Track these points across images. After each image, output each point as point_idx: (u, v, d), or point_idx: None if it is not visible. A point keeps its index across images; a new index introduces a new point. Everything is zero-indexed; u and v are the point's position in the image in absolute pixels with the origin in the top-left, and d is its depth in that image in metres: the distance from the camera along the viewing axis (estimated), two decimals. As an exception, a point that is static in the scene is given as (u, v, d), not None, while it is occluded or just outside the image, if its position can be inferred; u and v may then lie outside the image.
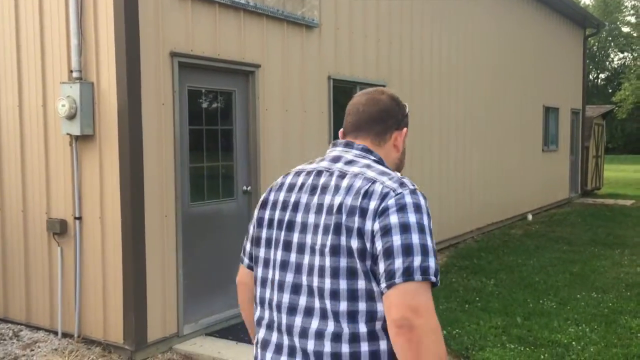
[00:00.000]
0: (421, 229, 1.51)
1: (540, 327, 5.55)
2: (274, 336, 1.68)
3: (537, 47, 13.31)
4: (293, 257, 1.66)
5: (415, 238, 1.49)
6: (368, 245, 1.53)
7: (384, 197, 1.55)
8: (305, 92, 6.57)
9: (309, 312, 1.60)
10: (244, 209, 5.90)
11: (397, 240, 1.49)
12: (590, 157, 17.65)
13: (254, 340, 1.86)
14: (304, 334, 1.60)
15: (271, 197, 1.79)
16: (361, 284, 1.55)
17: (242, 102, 5.87)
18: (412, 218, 1.52)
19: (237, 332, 5.41)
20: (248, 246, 1.87)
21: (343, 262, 1.55)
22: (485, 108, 10.91)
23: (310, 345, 1.58)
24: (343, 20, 7.10)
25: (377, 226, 1.52)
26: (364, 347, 1.55)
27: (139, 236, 4.81)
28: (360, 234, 1.53)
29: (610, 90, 52.89)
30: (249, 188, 5.89)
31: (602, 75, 56.83)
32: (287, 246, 1.68)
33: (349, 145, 1.79)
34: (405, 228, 1.50)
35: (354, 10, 7.29)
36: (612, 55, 56.13)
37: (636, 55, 50.72)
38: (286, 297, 1.66)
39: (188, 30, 5.17)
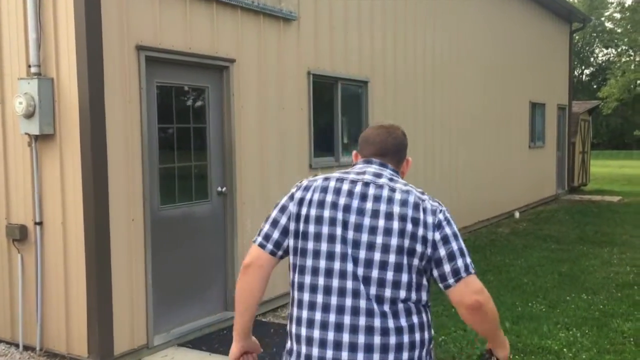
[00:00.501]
0: (461, 236, 2.04)
1: (529, 332, 5.31)
2: (332, 316, 1.98)
3: (523, 42, 13.11)
4: (350, 250, 1.98)
5: (462, 243, 2.02)
6: (429, 250, 1.98)
7: (434, 212, 2.02)
8: (284, 88, 6.28)
9: (368, 295, 1.96)
10: (219, 211, 5.60)
11: (455, 245, 1.99)
12: (577, 153, 17.52)
13: (240, 322, 2.16)
14: (369, 312, 1.96)
15: (315, 197, 2.05)
16: (413, 277, 1.98)
17: (215, 99, 5.57)
18: (455, 229, 2.04)
19: (210, 341, 5.12)
20: (276, 234, 2.08)
21: (405, 259, 1.97)
22: (472, 105, 10.68)
23: (377, 321, 1.96)
24: (323, 13, 6.82)
25: (437, 236, 1.99)
26: (415, 319, 2.00)
27: (104, 242, 4.51)
28: (425, 240, 1.98)
29: (595, 86, 53.10)
30: (224, 189, 5.59)
31: (586, 71, 57.03)
32: (344, 241, 1.99)
33: (383, 165, 2.18)
34: (455, 237, 2.01)
35: (335, 2, 7.00)
36: (596, 51, 56.33)
37: (620, 50, 50.92)
38: (349, 284, 1.97)
39: (156, 22, 4.86)
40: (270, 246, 2.09)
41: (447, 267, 1.98)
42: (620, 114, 46.85)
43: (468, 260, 2.00)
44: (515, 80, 12.71)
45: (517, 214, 12.61)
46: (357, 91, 7.64)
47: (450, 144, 9.95)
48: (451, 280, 1.98)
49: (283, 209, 2.10)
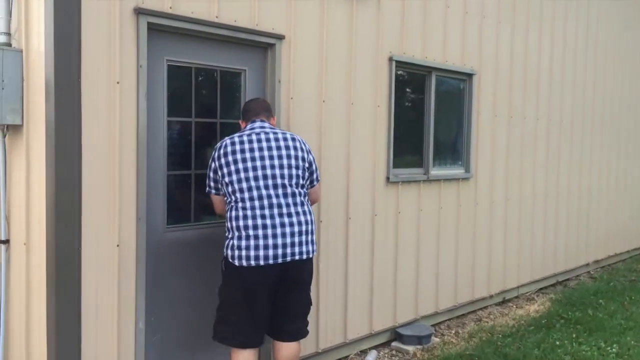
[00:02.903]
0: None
1: None
2: (274, 210, 3.44)
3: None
4: (269, 171, 3.46)
5: (316, 164, 3.79)
6: (307, 164, 3.62)
7: (304, 143, 3.68)
8: (354, 78, 4.82)
9: (285, 195, 3.47)
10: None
11: (315, 165, 3.72)
12: None
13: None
14: (287, 205, 3.46)
15: (237, 147, 3.49)
16: (304, 178, 3.60)
17: (255, 87, 4.22)
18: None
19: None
20: (212, 184, 3.62)
21: (299, 171, 3.55)
22: (611, 109, 8.60)
23: (292, 209, 3.48)
24: (414, -17, 5.29)
25: (311, 157, 3.67)
26: (307, 208, 3.56)
27: (70, 274, 3.28)
28: (304, 159, 3.60)
29: None
30: (261, 206, 4.26)
31: None
32: (264, 167, 3.46)
33: (263, 121, 3.67)
34: (314, 160, 3.72)
35: (431, -30, 5.45)
36: None
37: None
38: (271, 187, 3.46)
39: (167, -21, 3.60)
40: (214, 191, 3.65)
41: (315, 175, 3.73)
42: None
43: (319, 173, 3.85)
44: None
45: (664, 247, 10.23)
46: (457, 86, 6.01)
47: (581, 157, 7.98)
48: (315, 182, 3.75)
49: (210, 167, 3.61)
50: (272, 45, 4.22)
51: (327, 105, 4.62)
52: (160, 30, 3.65)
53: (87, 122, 3.31)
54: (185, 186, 3.94)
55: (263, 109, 3.73)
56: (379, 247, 5.15)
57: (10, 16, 3.46)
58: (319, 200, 4.03)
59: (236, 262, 3.38)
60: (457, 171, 6.01)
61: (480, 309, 6.43)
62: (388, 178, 5.15)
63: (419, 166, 5.60)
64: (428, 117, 5.63)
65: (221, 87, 4.09)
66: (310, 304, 3.77)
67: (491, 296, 6.57)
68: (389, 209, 5.22)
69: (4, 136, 3.53)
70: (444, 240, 5.85)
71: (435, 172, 5.71)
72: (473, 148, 6.12)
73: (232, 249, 3.40)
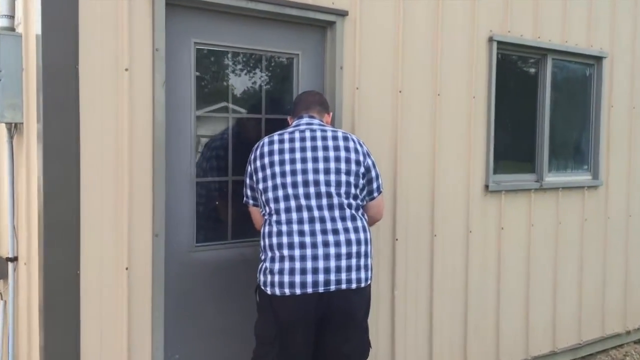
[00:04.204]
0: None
1: None
2: (315, 225, 2.70)
3: None
4: (310, 177, 2.73)
5: (378, 170, 2.96)
6: (363, 170, 2.84)
7: (361, 144, 2.90)
8: (441, 63, 3.92)
9: (330, 206, 2.73)
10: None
11: (378, 170, 2.95)
12: None
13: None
14: (332, 219, 2.72)
15: (275, 147, 2.81)
16: (357, 190, 2.82)
17: (311, 75, 3.46)
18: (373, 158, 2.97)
19: None
20: (250, 192, 2.92)
21: (351, 178, 2.79)
22: None
23: (339, 224, 2.73)
24: (522, -55, 4.28)
25: (369, 162, 2.89)
26: (359, 223, 2.77)
27: (67, 303, 2.71)
28: (359, 163, 2.83)
29: None
30: (318, 221, 3.49)
31: None
32: (305, 172, 2.74)
33: (312, 117, 2.96)
34: (375, 164, 2.95)
35: None
36: None
37: None
38: (312, 197, 2.73)
39: (191, -58, 2.95)
40: (251, 201, 2.94)
41: (374, 185, 2.93)
42: None
43: (380, 182, 2.96)
44: None
45: None
46: (581, 72, 4.87)
47: None
48: (375, 194, 2.95)
49: (246, 172, 2.93)
50: (331, 24, 3.44)
51: (404, 97, 3.75)
52: (184, 6, 3.00)
53: (87, 117, 2.72)
54: (220, 196, 3.26)
55: (316, 102, 3.02)
56: (474, 270, 4.18)
57: (15, -3, 2.97)
58: (380, 217, 3.09)
59: (268, 290, 2.70)
60: (581, 177, 4.87)
61: (614, 347, 5.21)
62: (487, 186, 4.17)
63: (529, 172, 4.55)
64: (542, 111, 4.56)
65: (267, 76, 3.37)
66: (368, 346, 2.94)
67: (628, 332, 5.31)
68: (488, 224, 4.23)
69: (11, 137, 3.05)
70: (563, 262, 4.74)
71: (551, 178, 4.63)
72: (603, 149, 4.94)
73: (265, 273, 2.73)
